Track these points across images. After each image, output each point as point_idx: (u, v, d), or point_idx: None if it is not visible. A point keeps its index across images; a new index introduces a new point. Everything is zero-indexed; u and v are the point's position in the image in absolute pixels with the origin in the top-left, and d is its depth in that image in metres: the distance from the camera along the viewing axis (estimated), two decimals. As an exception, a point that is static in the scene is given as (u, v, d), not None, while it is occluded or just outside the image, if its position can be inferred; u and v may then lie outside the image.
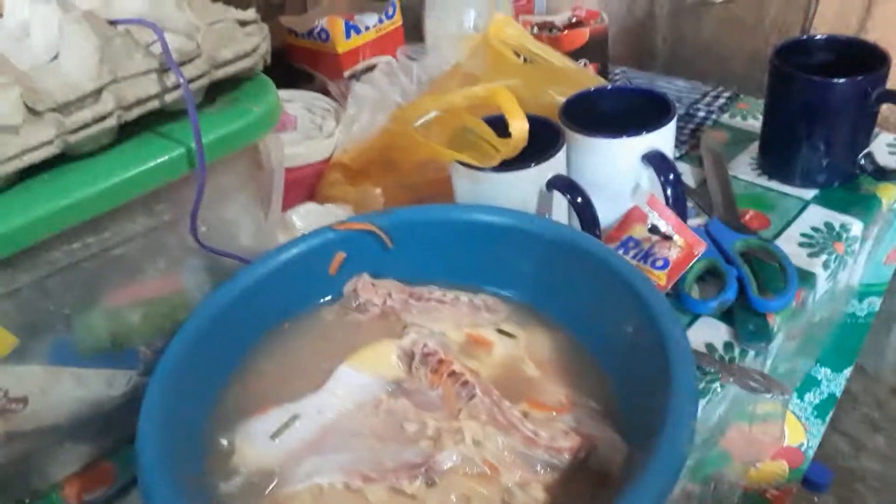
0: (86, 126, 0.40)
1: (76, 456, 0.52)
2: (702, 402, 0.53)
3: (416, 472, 0.42)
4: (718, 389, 0.53)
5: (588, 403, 0.48)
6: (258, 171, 0.51)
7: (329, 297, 0.56)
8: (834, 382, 0.85)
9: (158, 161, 0.42)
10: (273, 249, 0.53)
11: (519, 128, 0.52)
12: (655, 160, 0.58)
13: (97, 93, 0.39)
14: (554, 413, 0.47)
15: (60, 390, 0.48)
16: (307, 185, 0.63)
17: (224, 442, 0.46)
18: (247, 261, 0.52)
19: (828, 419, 0.88)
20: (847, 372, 0.85)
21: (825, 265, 0.62)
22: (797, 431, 0.89)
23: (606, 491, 0.42)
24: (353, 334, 0.53)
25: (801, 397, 0.84)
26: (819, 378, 0.85)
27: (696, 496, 0.65)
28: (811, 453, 0.91)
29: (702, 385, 0.53)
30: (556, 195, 0.58)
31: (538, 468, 0.44)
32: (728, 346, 0.56)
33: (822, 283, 0.62)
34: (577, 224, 0.58)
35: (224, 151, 0.44)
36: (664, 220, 0.58)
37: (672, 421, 0.38)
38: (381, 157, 0.61)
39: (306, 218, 0.59)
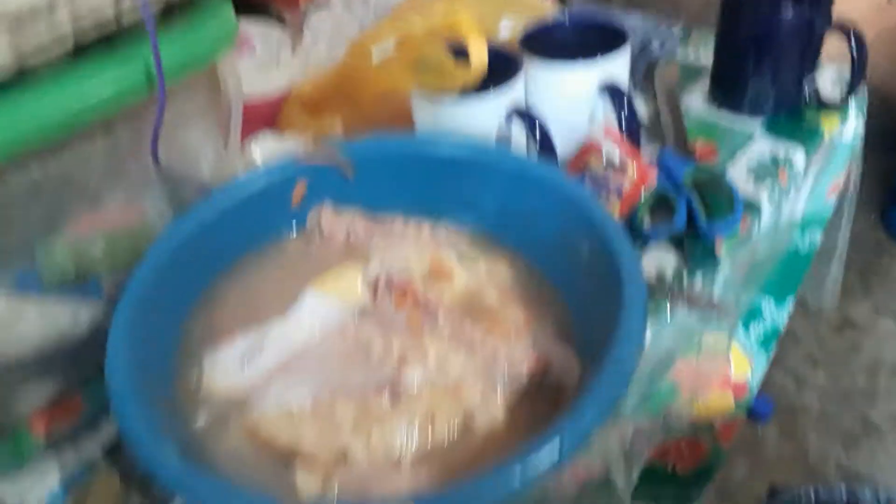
0: (40, 42, 0.39)
1: (43, 390, 0.52)
2: (651, 330, 0.56)
3: (382, 391, 0.44)
4: (668, 316, 0.56)
5: (545, 326, 0.50)
6: (218, 98, 0.51)
7: (292, 228, 0.56)
8: (777, 314, 0.89)
9: (118, 82, 0.42)
10: (234, 179, 0.54)
11: (479, 51, 0.52)
12: (611, 90, 0.59)
13: (51, 7, 0.38)
14: (512, 335, 0.49)
15: (24, 323, 0.48)
16: (265, 116, 0.63)
17: (191, 373, 0.47)
18: (208, 190, 0.52)
19: (771, 352, 0.92)
20: (789, 303, 0.88)
21: (770, 194, 0.65)
22: (742, 364, 0.93)
23: (562, 406, 0.45)
24: (318, 264, 0.54)
25: (745, 329, 0.88)
26: (763, 310, 0.88)
27: (646, 432, 0.68)
28: (755, 385, 0.95)
29: (651, 308, 0.56)
30: (516, 127, 0.59)
31: (498, 386, 0.46)
32: (677, 274, 0.58)
33: (767, 212, 0.65)
34: (535, 154, 0.59)
35: (183, 72, 0.44)
36: (618, 151, 0.60)
37: (623, 330, 0.40)
38: (341, 88, 0.61)
39: (266, 148, 0.59)
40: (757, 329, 0.90)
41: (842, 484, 0.86)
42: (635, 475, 0.64)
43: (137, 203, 0.51)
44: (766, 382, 0.94)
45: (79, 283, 0.49)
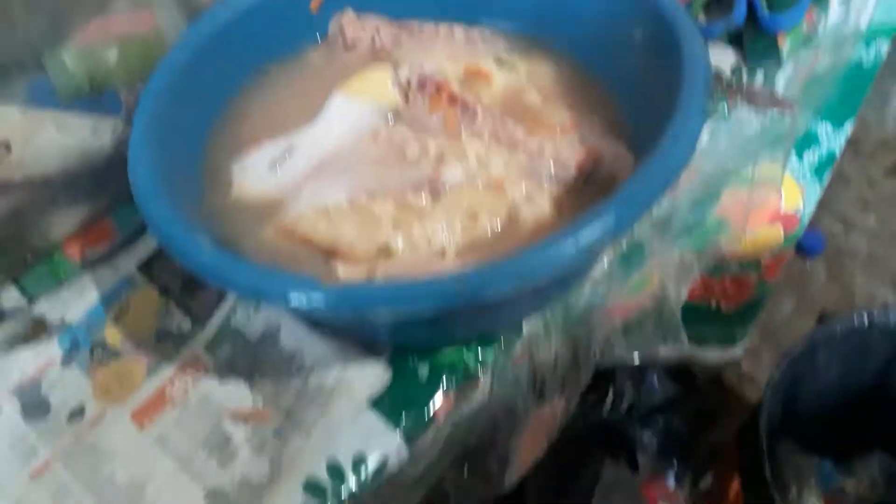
0: None
1: (72, 214, 0.51)
2: (706, 135, 0.52)
3: (421, 187, 0.41)
4: (726, 112, 0.52)
5: (593, 121, 0.46)
6: None
7: (315, 37, 0.53)
8: (833, 138, 0.84)
9: None
10: (250, -17, 0.49)
11: None
12: None
13: None
14: (558, 133, 0.45)
15: (43, 137, 0.46)
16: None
17: (219, 180, 0.45)
18: (222, -5, 0.48)
19: (825, 180, 0.88)
20: (848, 126, 0.83)
21: (842, -15, 0.59)
22: (794, 195, 0.88)
23: (617, 196, 0.42)
24: (343, 73, 0.50)
25: (799, 156, 0.83)
26: (819, 134, 0.83)
27: (694, 265, 0.65)
28: (806, 217, 0.92)
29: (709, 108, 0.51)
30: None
31: (544, 182, 0.43)
32: (736, 72, 0.54)
33: (835, 7, 0.59)
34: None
35: None
36: (672, -60, 0.54)
37: (686, 102, 0.36)
38: None
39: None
40: (811, 156, 0.85)
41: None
42: (684, 290, 0.63)
43: (147, 10, 0.47)
44: (814, 225, 0.90)
45: (95, 95, 0.47)
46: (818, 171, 0.86)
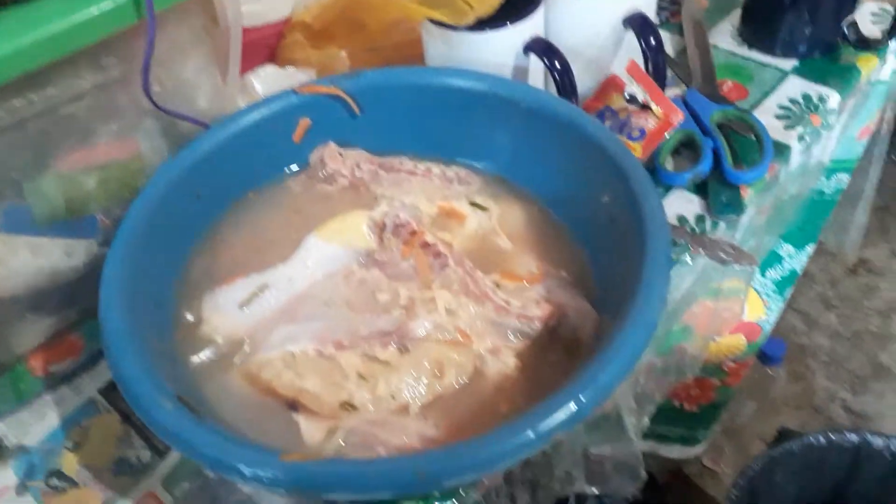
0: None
1: (40, 328, 0.51)
2: (672, 272, 0.53)
3: (389, 339, 0.42)
4: (688, 261, 0.53)
5: (560, 274, 0.47)
6: (214, 27, 0.47)
7: (295, 167, 0.54)
8: (796, 259, 0.87)
9: (102, 5, 0.38)
10: (234, 113, 0.51)
11: (495, -19, 0.49)
12: (637, 23, 0.55)
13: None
14: (525, 283, 0.46)
15: (16, 260, 0.46)
16: (266, 46, 0.59)
17: (189, 316, 0.45)
18: (205, 124, 0.50)
19: (787, 295, 0.90)
20: (809, 248, 0.86)
21: (800, 137, 0.62)
22: (757, 307, 0.91)
23: (577, 359, 0.43)
24: (322, 206, 0.51)
25: (763, 273, 0.86)
26: (782, 255, 0.86)
27: (658, 369, 0.67)
28: (768, 328, 0.94)
29: (673, 256, 0.53)
30: (533, 61, 0.55)
31: (510, 336, 0.44)
32: (700, 219, 0.56)
33: (797, 157, 0.62)
34: (554, 92, 0.55)
35: (174, -1, 0.41)
36: (642, 89, 0.56)
37: (645, 289, 0.38)
38: (347, 17, 0.57)
39: (267, 81, 0.56)
40: (774, 273, 0.88)
41: (852, 432, 0.85)
42: (646, 418, 0.63)
43: (131, 138, 0.48)
44: (776, 321, 0.93)
45: (72, 219, 0.47)
46: (780, 287, 0.89)
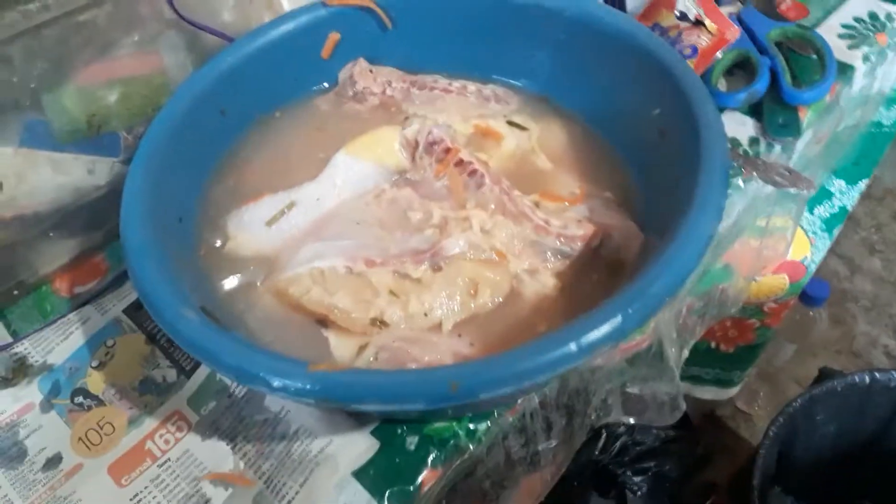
0: None
1: (64, 248, 0.50)
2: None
3: (421, 257, 0.40)
4: (741, 185, 0.50)
5: (604, 194, 0.45)
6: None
7: (324, 84, 0.51)
8: (847, 195, 0.83)
9: None
10: (260, 26, 0.48)
11: None
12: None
13: None
14: (567, 204, 0.44)
15: (37, 176, 0.44)
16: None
17: (213, 235, 0.43)
18: (230, 38, 0.47)
19: (835, 234, 0.86)
20: (862, 184, 0.82)
21: (865, 58, 0.57)
22: (802, 245, 0.87)
23: (620, 279, 0.40)
24: (351, 124, 0.49)
25: (811, 210, 0.82)
26: (832, 191, 0.82)
27: (696, 310, 0.64)
28: (813, 267, 0.90)
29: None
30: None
31: (549, 256, 0.41)
32: (754, 142, 0.52)
33: (860, 79, 0.58)
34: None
35: None
36: (696, 3, 0.52)
37: (701, 199, 0.35)
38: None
39: (295, -5, 0.53)
40: (823, 210, 0.84)
41: (896, 371, 0.82)
42: (686, 351, 0.61)
43: (153, 52, 0.46)
44: (819, 272, 0.89)
45: (94, 135, 0.46)
46: (829, 224, 0.85)
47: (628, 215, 0.43)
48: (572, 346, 0.30)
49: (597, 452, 0.96)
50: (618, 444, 0.97)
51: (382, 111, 0.50)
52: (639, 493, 0.96)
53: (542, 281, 0.40)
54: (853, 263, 1.40)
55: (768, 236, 0.67)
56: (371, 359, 0.37)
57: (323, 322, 0.39)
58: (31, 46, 0.40)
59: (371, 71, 0.50)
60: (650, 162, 0.43)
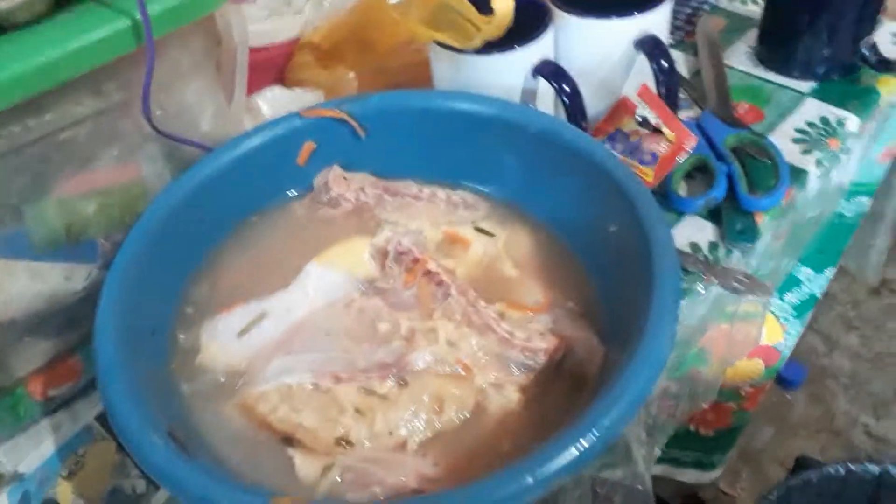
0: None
1: (39, 351, 0.50)
2: (684, 303, 0.52)
3: (387, 371, 0.41)
4: (701, 290, 0.52)
5: (566, 304, 0.46)
6: (217, 48, 0.47)
7: (299, 191, 0.53)
8: (815, 283, 0.85)
9: (101, 33, 0.38)
10: (236, 137, 0.50)
11: (503, 3, 0.48)
12: (648, 45, 0.54)
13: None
14: (531, 314, 0.45)
15: (14, 285, 0.45)
16: (274, 67, 0.58)
17: (183, 338, 0.44)
18: (208, 148, 0.49)
19: (806, 319, 0.88)
20: (829, 272, 0.84)
21: (818, 162, 0.60)
22: (775, 331, 0.89)
23: (583, 393, 0.41)
24: (325, 230, 0.51)
25: (781, 297, 0.84)
26: (801, 278, 0.84)
27: (671, 393, 0.65)
28: (787, 352, 0.92)
29: (685, 285, 0.52)
30: (542, 84, 0.54)
31: (513, 369, 0.42)
32: (713, 247, 0.54)
33: (814, 182, 0.60)
34: (563, 115, 0.54)
35: (174, 23, 0.40)
36: (655, 112, 0.55)
37: (654, 323, 0.36)
38: (356, 37, 0.56)
39: (274, 103, 0.55)
40: (793, 297, 0.86)
41: (873, 462, 0.82)
42: (658, 450, 0.62)
43: (132, 163, 0.47)
44: (796, 343, 0.90)
45: (72, 244, 0.47)
46: (799, 310, 0.87)
47: (591, 326, 0.44)
48: (529, 480, 0.31)
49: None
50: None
51: (356, 216, 0.52)
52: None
53: (507, 395, 0.41)
54: (830, 340, 1.42)
55: (739, 322, 0.68)
56: (337, 479, 0.38)
57: (289, 441, 0.39)
58: (13, 165, 0.42)
59: (345, 178, 0.52)
60: (610, 275, 0.45)
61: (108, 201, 0.47)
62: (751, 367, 0.91)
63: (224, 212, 0.50)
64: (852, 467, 0.82)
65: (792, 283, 0.83)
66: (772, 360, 0.90)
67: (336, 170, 0.52)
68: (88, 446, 0.46)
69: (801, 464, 0.89)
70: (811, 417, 1.29)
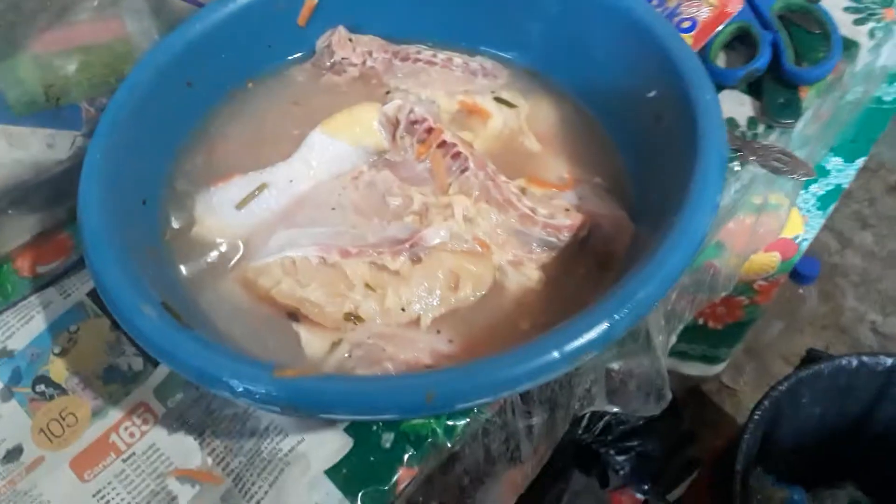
0: None
1: (25, 225, 0.47)
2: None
3: (400, 247, 0.38)
4: (737, 169, 0.48)
5: (593, 180, 0.42)
6: None
7: (299, 54, 0.48)
8: (843, 173, 0.81)
9: None
10: (232, -10, 0.45)
11: None
12: None
13: None
14: (555, 190, 0.42)
15: (-9, 150, 0.42)
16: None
17: (177, 220, 0.41)
18: (199, 3, 0.44)
19: (829, 211, 0.85)
20: (859, 162, 0.80)
21: (871, 34, 0.55)
22: (795, 223, 0.86)
23: (609, 272, 0.39)
24: (328, 98, 0.46)
25: (805, 188, 0.80)
26: (828, 168, 0.80)
27: (686, 286, 0.62)
28: (805, 245, 0.89)
29: (723, 162, 0.48)
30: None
31: (534, 247, 0.39)
32: (752, 122, 0.50)
33: (864, 55, 0.55)
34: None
35: None
36: (696, -28, 0.49)
37: (695, 195, 0.33)
38: None
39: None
40: (818, 188, 0.82)
41: (886, 355, 0.81)
42: (674, 337, 0.60)
43: (115, 17, 0.43)
44: (810, 249, 0.87)
45: (52, 107, 0.43)
46: (823, 202, 0.83)
47: (619, 203, 0.41)
48: (555, 354, 0.28)
49: (580, 432, 0.96)
50: (601, 423, 0.96)
51: (362, 84, 0.47)
52: (621, 472, 0.96)
53: (527, 274, 0.38)
54: (844, 237, 1.39)
55: (764, 214, 0.65)
56: (345, 355, 0.35)
57: (294, 316, 0.36)
58: (-20, 14, 0.37)
59: (350, 40, 0.48)
60: (643, 147, 0.41)
61: (90, 60, 0.43)
62: (767, 260, 0.89)
63: (216, 76, 0.46)
64: (864, 359, 0.81)
65: (819, 173, 0.79)
66: (789, 253, 0.88)
67: (341, 31, 0.47)
68: (81, 323, 0.44)
69: (811, 357, 0.88)
70: (819, 314, 1.28)
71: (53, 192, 0.46)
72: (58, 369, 0.43)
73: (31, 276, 0.47)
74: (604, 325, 0.29)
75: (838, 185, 0.81)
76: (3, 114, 0.41)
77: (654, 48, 0.39)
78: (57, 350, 0.43)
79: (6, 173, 0.43)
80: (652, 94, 0.40)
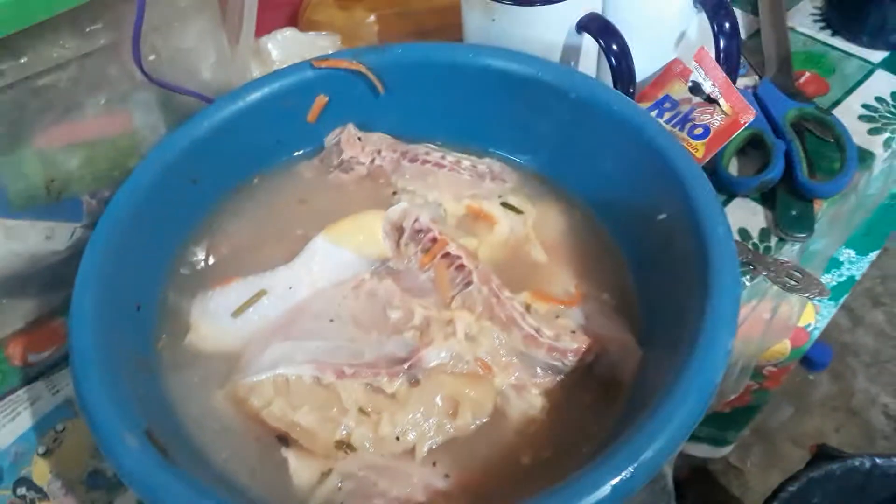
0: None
1: (19, 312, 0.46)
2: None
3: (398, 368, 0.37)
4: (747, 283, 0.47)
5: (601, 296, 0.41)
6: (218, -13, 0.41)
7: (307, 150, 0.48)
8: (856, 266, 0.79)
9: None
10: (241, 86, 0.45)
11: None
12: (709, 3, 0.47)
13: None
14: (560, 306, 0.40)
15: (-12, 243, 0.41)
16: (288, 6, 0.52)
17: (171, 314, 0.40)
18: (208, 98, 0.44)
19: (841, 302, 0.83)
20: (872, 255, 0.78)
21: (886, 144, 0.54)
22: (807, 313, 0.84)
23: (615, 401, 0.37)
24: (335, 196, 0.46)
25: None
26: (841, 260, 0.78)
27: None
28: (816, 334, 0.87)
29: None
30: (587, 41, 0.48)
31: (538, 370, 0.38)
32: (764, 234, 0.49)
33: (879, 165, 0.54)
34: (607, 78, 0.48)
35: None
36: (710, 80, 0.49)
37: (707, 338, 0.31)
38: (378, -22, 0.50)
39: (285, 47, 0.49)
40: (830, 278, 0.80)
41: (901, 457, 0.78)
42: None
43: (122, 112, 0.42)
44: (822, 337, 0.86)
45: (53, 201, 0.42)
46: (836, 293, 0.82)
47: (627, 324, 0.39)
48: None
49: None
50: None
51: (369, 182, 0.47)
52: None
53: (530, 401, 0.37)
54: (856, 315, 1.37)
55: (781, 314, 0.64)
56: (336, 486, 0.34)
57: (284, 440, 0.35)
58: (-15, 110, 0.37)
59: (359, 138, 0.47)
60: (653, 268, 0.40)
61: (94, 154, 0.42)
62: (777, 347, 0.87)
63: (223, 171, 0.45)
64: (878, 461, 0.78)
65: (832, 264, 0.78)
66: (800, 341, 0.86)
67: (350, 129, 0.47)
68: (68, 422, 0.43)
69: (823, 453, 0.85)
70: (829, 394, 1.25)
71: (50, 279, 0.45)
72: (41, 471, 0.41)
73: (21, 364, 0.46)
74: (606, 490, 0.28)
75: (851, 277, 0.80)
76: (2, 208, 0.41)
77: (664, 171, 0.38)
78: (41, 450, 0.42)
79: (1, 265, 0.42)
80: (662, 216, 0.39)
